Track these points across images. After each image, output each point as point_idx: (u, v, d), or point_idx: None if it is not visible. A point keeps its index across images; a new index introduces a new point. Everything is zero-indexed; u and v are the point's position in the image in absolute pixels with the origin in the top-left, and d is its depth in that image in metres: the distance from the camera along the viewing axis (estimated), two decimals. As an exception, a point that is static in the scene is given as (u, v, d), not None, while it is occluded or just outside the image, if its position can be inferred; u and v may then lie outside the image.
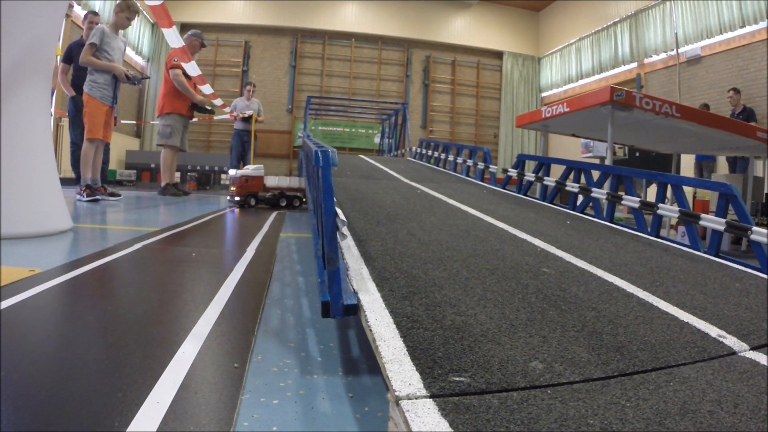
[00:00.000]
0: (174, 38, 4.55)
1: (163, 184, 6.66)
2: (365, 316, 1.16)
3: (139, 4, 5.86)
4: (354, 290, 1.31)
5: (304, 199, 6.12)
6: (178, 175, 6.95)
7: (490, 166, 5.13)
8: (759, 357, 1.15)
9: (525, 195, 4.28)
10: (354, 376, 1.16)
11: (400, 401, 0.80)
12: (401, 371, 0.90)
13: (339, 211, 1.43)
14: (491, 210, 3.16)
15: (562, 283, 1.60)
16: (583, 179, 3.85)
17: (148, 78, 5.42)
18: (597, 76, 11.95)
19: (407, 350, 0.99)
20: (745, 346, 1.21)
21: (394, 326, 1.11)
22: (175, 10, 11.15)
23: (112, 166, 9.92)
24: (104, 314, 1.46)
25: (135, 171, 10.95)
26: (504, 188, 4.67)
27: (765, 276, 2.04)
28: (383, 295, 1.30)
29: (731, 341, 1.23)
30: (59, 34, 5.54)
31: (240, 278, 1.99)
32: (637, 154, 8.03)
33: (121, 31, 5.38)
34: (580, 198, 3.62)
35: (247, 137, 8.05)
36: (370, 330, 1.08)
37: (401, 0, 13.85)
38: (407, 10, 13.89)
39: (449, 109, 14.31)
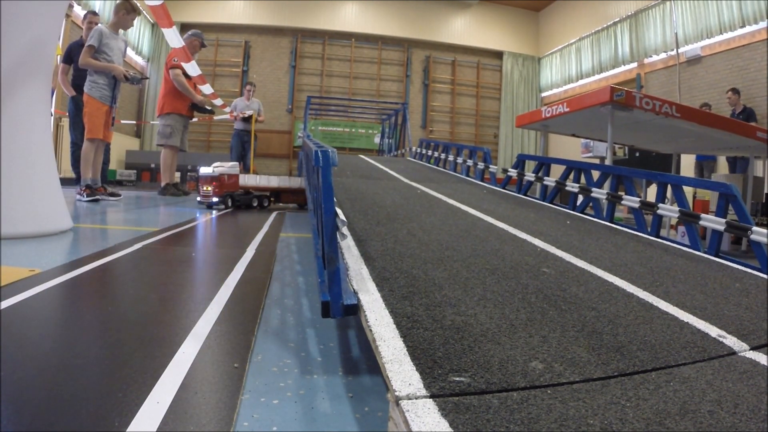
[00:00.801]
0: (174, 38, 4.55)
1: (163, 184, 6.66)
2: (365, 316, 1.16)
3: (139, 4, 5.85)
4: (354, 290, 1.31)
5: (272, 199, 5.90)
6: (178, 175, 6.94)
7: (490, 166, 5.13)
8: (759, 357, 1.15)
9: (525, 195, 4.28)
10: (354, 376, 1.16)
11: (400, 401, 0.80)
12: (401, 371, 0.90)
13: (339, 211, 1.44)
14: (491, 210, 3.16)
15: (562, 283, 1.60)
16: (583, 179, 3.85)
17: (147, 78, 5.37)
18: (597, 76, 11.94)
19: (407, 350, 0.99)
20: (745, 346, 1.21)
21: (394, 326, 1.11)
22: (175, 10, 11.14)
23: (112, 166, 9.92)
24: (104, 314, 1.46)
25: (135, 171, 10.95)
26: (504, 188, 4.66)
27: (765, 276, 2.04)
28: (383, 295, 1.30)
29: (731, 341, 1.23)
30: (59, 34, 5.53)
31: (240, 278, 1.99)
32: (637, 154, 8.03)
33: (121, 31, 5.38)
34: (580, 198, 3.62)
35: (247, 137, 8.05)
36: (370, 330, 1.08)
37: (401, 0, 13.84)
38: (407, 10, 13.89)
39: (449, 109, 14.31)
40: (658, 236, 2.86)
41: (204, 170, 5.43)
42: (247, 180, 5.63)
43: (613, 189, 3.37)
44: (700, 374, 1.02)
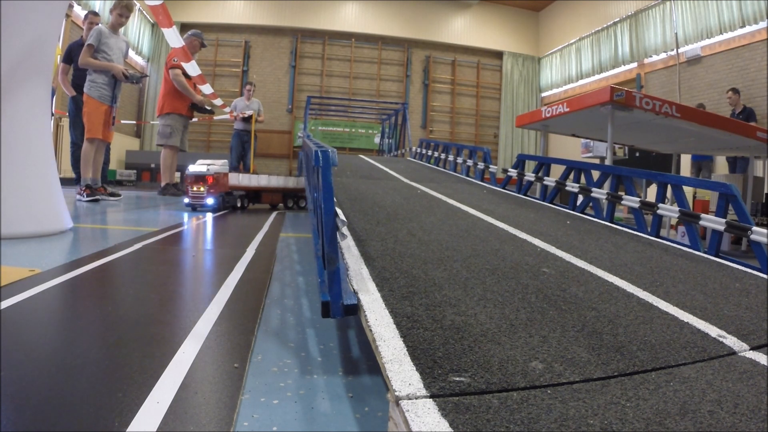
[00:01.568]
0: (174, 38, 4.55)
1: (163, 184, 6.66)
2: (365, 316, 1.15)
3: (138, 4, 5.84)
4: (354, 290, 1.31)
5: (251, 204, 5.56)
6: (178, 175, 6.94)
7: (490, 166, 5.13)
8: (759, 357, 1.15)
9: (525, 195, 4.28)
10: (354, 376, 1.16)
11: (400, 401, 0.80)
12: (401, 371, 0.90)
13: (339, 211, 1.43)
14: (491, 210, 3.16)
15: (562, 283, 1.60)
16: (583, 179, 3.85)
17: (147, 76, 5.32)
18: (597, 76, 11.95)
19: (407, 350, 0.99)
20: (745, 346, 1.21)
21: (394, 326, 1.11)
22: (175, 10, 11.16)
23: (112, 166, 9.92)
24: (104, 314, 1.46)
25: (135, 171, 10.95)
26: (504, 188, 4.66)
27: (765, 276, 2.04)
28: (383, 295, 1.30)
29: (731, 341, 1.23)
30: (59, 34, 5.53)
31: (240, 278, 1.99)
32: (637, 154, 8.03)
33: (121, 31, 5.37)
34: (580, 198, 3.62)
35: (247, 137, 8.05)
36: (370, 330, 1.08)
37: (401, 0, 13.84)
38: (407, 10, 13.89)
39: (449, 109, 14.31)
40: (658, 236, 2.86)
41: (194, 168, 4.93)
42: (240, 179, 5.38)
43: (613, 189, 3.37)
44: (700, 374, 1.02)
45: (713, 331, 1.30)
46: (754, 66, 7.77)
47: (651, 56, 10.17)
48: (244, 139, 8.16)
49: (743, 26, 7.96)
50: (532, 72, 14.64)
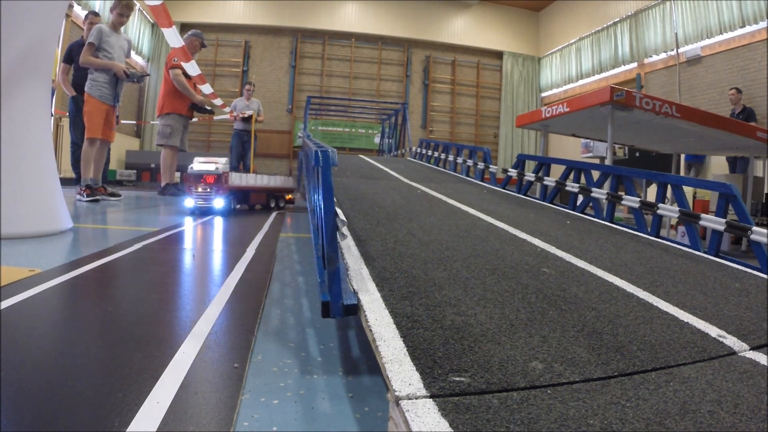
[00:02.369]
0: (174, 38, 4.54)
1: (163, 184, 6.65)
2: (365, 316, 1.15)
3: (138, 4, 5.84)
4: (354, 290, 1.31)
5: (239, 206, 5.19)
6: (178, 175, 6.93)
7: (490, 166, 5.13)
8: (759, 357, 1.15)
9: (525, 195, 4.28)
10: (354, 376, 1.16)
11: (400, 401, 0.80)
12: (401, 371, 0.90)
13: (339, 211, 1.44)
14: (491, 210, 3.16)
15: (562, 283, 1.60)
16: (583, 179, 3.85)
17: (148, 75, 5.26)
18: (597, 76, 11.94)
19: (407, 350, 0.99)
20: (745, 346, 1.21)
21: (394, 326, 1.11)
22: (175, 10, 11.17)
23: (112, 166, 9.91)
24: (104, 314, 1.46)
25: (135, 171, 10.95)
26: (504, 188, 4.66)
27: (765, 276, 2.04)
28: (383, 295, 1.30)
29: (731, 341, 1.23)
30: (59, 34, 5.54)
31: (240, 278, 1.99)
32: (637, 154, 8.03)
33: (123, 30, 5.36)
34: (580, 198, 3.62)
35: (247, 137, 8.04)
36: (370, 330, 1.08)
37: (401, 0, 13.84)
38: (407, 10, 13.89)
39: (449, 109, 14.31)
40: (658, 236, 2.86)
41: (200, 166, 4.52)
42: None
43: (613, 189, 3.37)
44: (700, 374, 1.02)
45: (713, 331, 1.30)
46: (754, 66, 7.77)
47: (651, 56, 10.17)
48: (244, 139, 8.16)
49: (743, 26, 7.96)
50: (532, 72, 14.64)
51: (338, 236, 1.38)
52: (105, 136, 5.07)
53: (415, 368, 0.91)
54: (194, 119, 7.04)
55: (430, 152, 7.16)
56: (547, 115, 4.97)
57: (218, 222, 4.11)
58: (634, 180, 3.51)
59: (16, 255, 2.19)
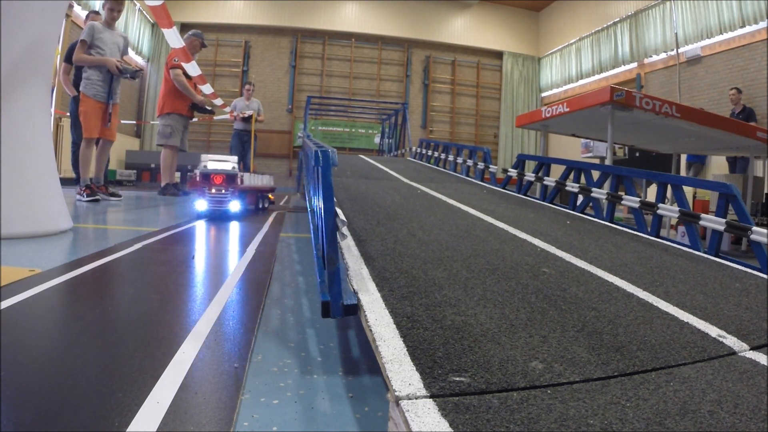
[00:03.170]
0: (174, 38, 4.54)
1: (163, 184, 6.66)
2: (365, 316, 1.15)
3: (138, 4, 5.82)
4: (354, 290, 1.31)
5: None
6: (178, 175, 6.94)
7: (490, 166, 5.13)
8: (759, 357, 1.15)
9: (525, 195, 4.28)
10: (354, 376, 1.16)
11: (400, 401, 0.80)
12: (401, 371, 0.90)
13: (339, 211, 1.44)
14: (491, 210, 3.16)
15: (562, 283, 1.60)
16: (583, 179, 3.85)
17: (141, 70, 5.16)
18: (597, 76, 11.94)
19: (407, 350, 0.99)
20: (745, 346, 1.21)
21: (394, 326, 1.11)
22: (175, 10, 11.15)
23: (112, 166, 9.91)
24: (104, 314, 1.46)
25: (135, 171, 10.94)
26: (504, 188, 4.66)
27: (765, 276, 2.04)
28: (383, 295, 1.30)
29: (731, 341, 1.23)
30: (59, 34, 5.53)
31: (240, 278, 1.99)
32: (637, 154, 8.03)
33: (118, 26, 5.31)
34: (580, 198, 3.62)
35: (247, 137, 8.04)
36: (370, 330, 1.08)
37: (401, 0, 13.84)
38: (407, 10, 13.89)
39: (449, 109, 14.31)
40: (658, 236, 2.86)
41: (213, 165, 4.17)
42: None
43: (613, 189, 3.37)
44: (700, 374, 1.02)
45: (713, 331, 1.30)
46: (754, 66, 7.77)
47: (651, 56, 10.17)
48: (244, 139, 8.16)
49: (743, 26, 7.96)
50: (532, 72, 14.64)
51: (338, 236, 1.38)
52: (103, 135, 5.03)
53: (415, 368, 0.91)
54: (194, 119, 7.04)
55: (430, 152, 7.16)
56: (547, 115, 4.97)
57: (218, 222, 4.11)
58: (634, 180, 3.51)
59: (16, 255, 2.19)
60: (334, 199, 1.48)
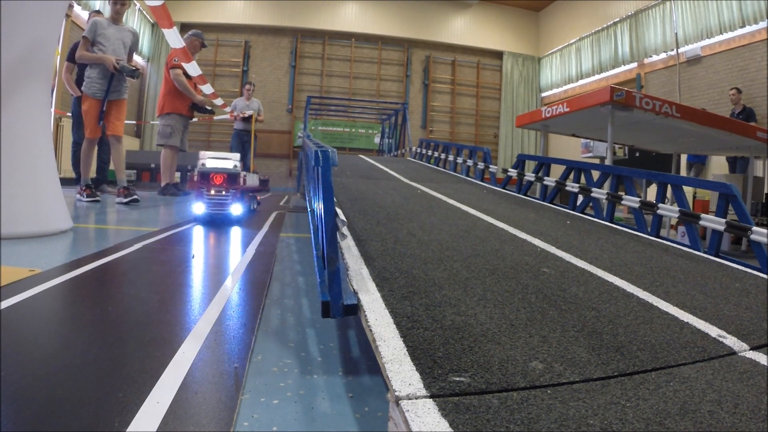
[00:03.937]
0: (174, 39, 4.54)
1: (163, 184, 6.66)
2: (365, 316, 1.15)
3: (139, 5, 5.81)
4: (354, 290, 1.31)
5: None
6: (178, 175, 6.93)
7: (490, 166, 5.13)
8: (759, 357, 1.15)
9: (525, 195, 4.28)
10: (354, 376, 1.16)
11: (400, 401, 0.80)
12: (401, 371, 0.90)
13: (339, 211, 1.44)
14: (491, 210, 3.16)
15: (562, 283, 1.60)
16: (583, 179, 3.85)
17: (138, 69, 5.10)
18: (597, 76, 11.94)
19: (407, 350, 0.99)
20: (745, 346, 1.21)
21: (394, 326, 1.11)
22: (175, 10, 11.14)
23: (112, 165, 9.91)
24: (104, 314, 1.46)
25: (135, 171, 10.93)
26: (504, 188, 4.66)
27: (765, 276, 2.04)
28: (383, 295, 1.30)
29: (731, 341, 1.23)
30: (59, 34, 5.51)
31: (240, 278, 1.99)
32: (637, 154, 8.04)
33: (125, 22, 5.26)
34: (580, 198, 3.62)
35: (247, 137, 8.05)
36: (370, 330, 1.08)
37: (401, 0, 13.85)
38: (407, 10, 13.89)
39: (449, 109, 14.31)
40: (658, 236, 2.86)
41: (213, 163, 3.75)
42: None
43: (613, 189, 3.37)
44: (700, 374, 1.02)
45: (713, 331, 1.30)
46: (754, 66, 7.77)
47: (651, 56, 10.17)
48: (244, 139, 8.16)
49: (743, 26, 7.96)
50: (532, 72, 14.64)
51: (338, 236, 1.38)
52: (109, 131, 4.91)
53: (415, 368, 0.91)
54: (194, 119, 7.04)
55: (430, 152, 7.16)
56: (547, 115, 4.97)
57: (218, 222, 4.11)
58: (634, 180, 3.51)
59: (16, 255, 2.19)
60: (334, 199, 1.48)
